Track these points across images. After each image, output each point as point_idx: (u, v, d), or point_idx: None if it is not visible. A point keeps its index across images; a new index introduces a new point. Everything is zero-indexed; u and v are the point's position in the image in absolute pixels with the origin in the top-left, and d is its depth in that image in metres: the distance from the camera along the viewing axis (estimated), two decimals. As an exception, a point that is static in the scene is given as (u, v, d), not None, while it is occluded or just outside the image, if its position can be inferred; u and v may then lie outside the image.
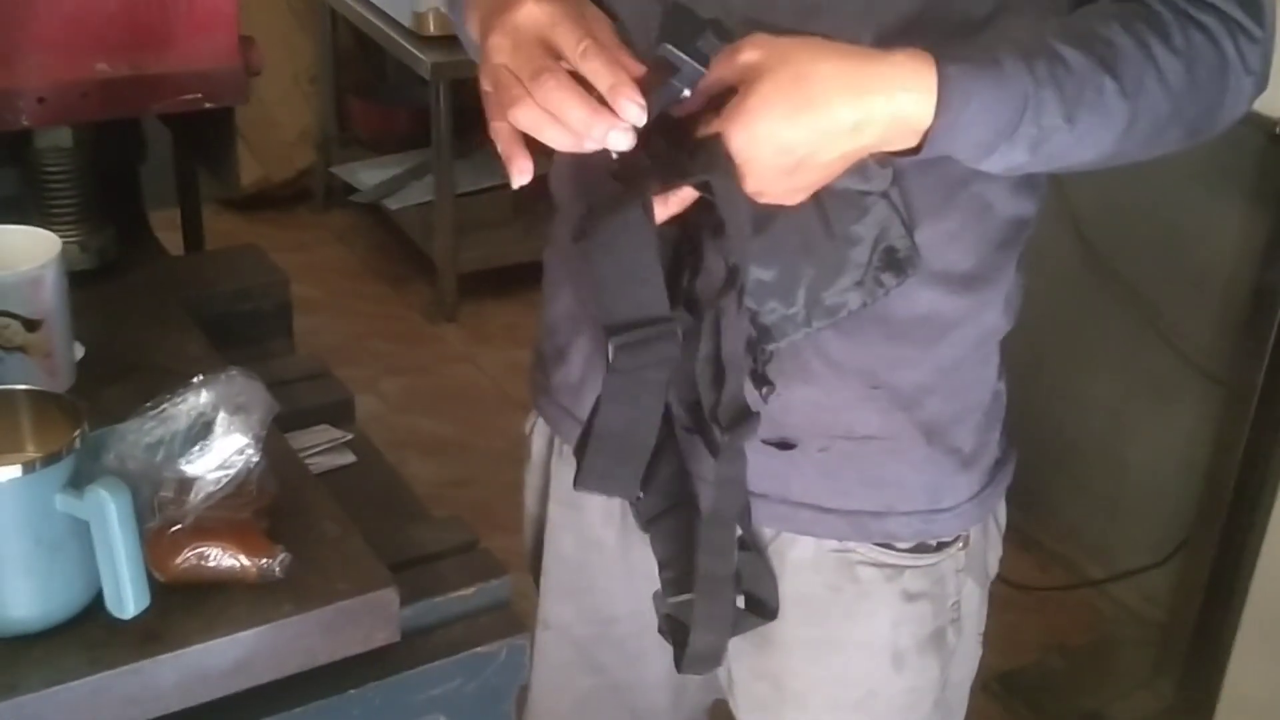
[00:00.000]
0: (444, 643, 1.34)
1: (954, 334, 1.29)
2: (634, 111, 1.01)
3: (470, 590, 1.37)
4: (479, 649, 1.34)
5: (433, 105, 3.80)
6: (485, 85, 1.08)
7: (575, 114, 1.02)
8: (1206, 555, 2.65)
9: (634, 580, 1.45)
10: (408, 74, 3.99)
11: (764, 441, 1.28)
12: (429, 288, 4.11)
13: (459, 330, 4.03)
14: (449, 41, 3.73)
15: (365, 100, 4.52)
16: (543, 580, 1.54)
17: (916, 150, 1.08)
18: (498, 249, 4.04)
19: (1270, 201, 2.52)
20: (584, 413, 1.36)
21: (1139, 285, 2.86)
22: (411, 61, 3.82)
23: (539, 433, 1.52)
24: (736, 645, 1.39)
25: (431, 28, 3.75)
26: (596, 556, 1.47)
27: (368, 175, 4.36)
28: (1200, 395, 2.80)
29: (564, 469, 1.46)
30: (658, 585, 1.41)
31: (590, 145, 1.04)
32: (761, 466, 1.28)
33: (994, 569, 1.45)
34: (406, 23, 3.82)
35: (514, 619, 1.38)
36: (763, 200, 1.08)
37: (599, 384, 1.32)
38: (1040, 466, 3.12)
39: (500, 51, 1.06)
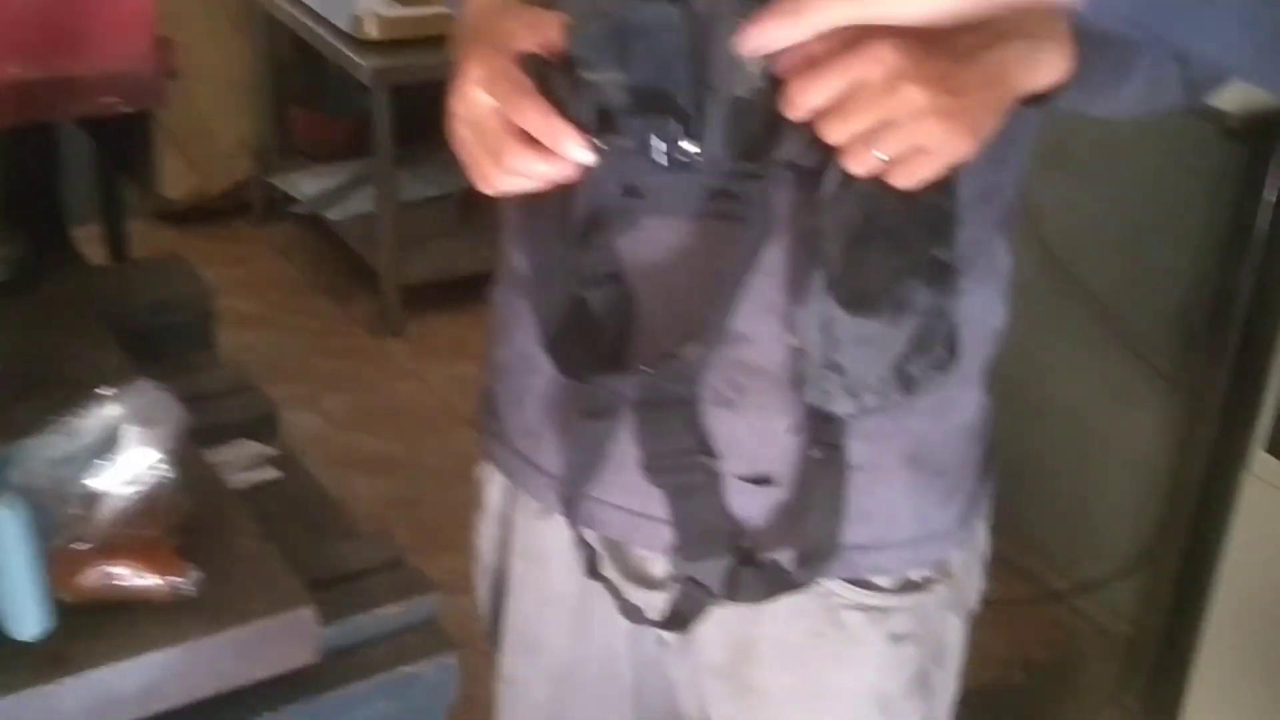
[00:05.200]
0: (367, 663, 1.30)
1: None
2: (578, 153, 1.03)
3: (396, 608, 1.33)
4: (404, 668, 1.30)
5: (374, 112, 3.74)
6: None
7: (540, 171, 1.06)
8: (1170, 566, 2.63)
9: (593, 629, 1.39)
10: (348, 80, 3.93)
11: (739, 478, 1.21)
12: (373, 301, 4.05)
13: (404, 345, 3.96)
14: (390, 46, 3.70)
15: (305, 108, 4.46)
16: (504, 636, 1.47)
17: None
18: (444, 260, 3.99)
19: (1228, 201, 2.50)
20: (546, 462, 1.30)
21: (1099, 289, 2.84)
22: (351, 67, 3.76)
23: (495, 482, 1.42)
24: (714, 691, 1.34)
25: (371, 31, 3.69)
26: (555, 611, 1.40)
27: (308, 185, 4.28)
28: (1163, 401, 2.77)
29: (526, 522, 1.38)
30: (618, 633, 1.35)
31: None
32: (738, 505, 1.22)
33: (975, 602, 1.39)
34: (344, 26, 3.76)
35: (442, 637, 1.34)
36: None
37: (556, 433, 1.27)
38: (1001, 476, 3.08)
39: (463, 123, 1.09)
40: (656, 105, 1.03)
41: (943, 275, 1.11)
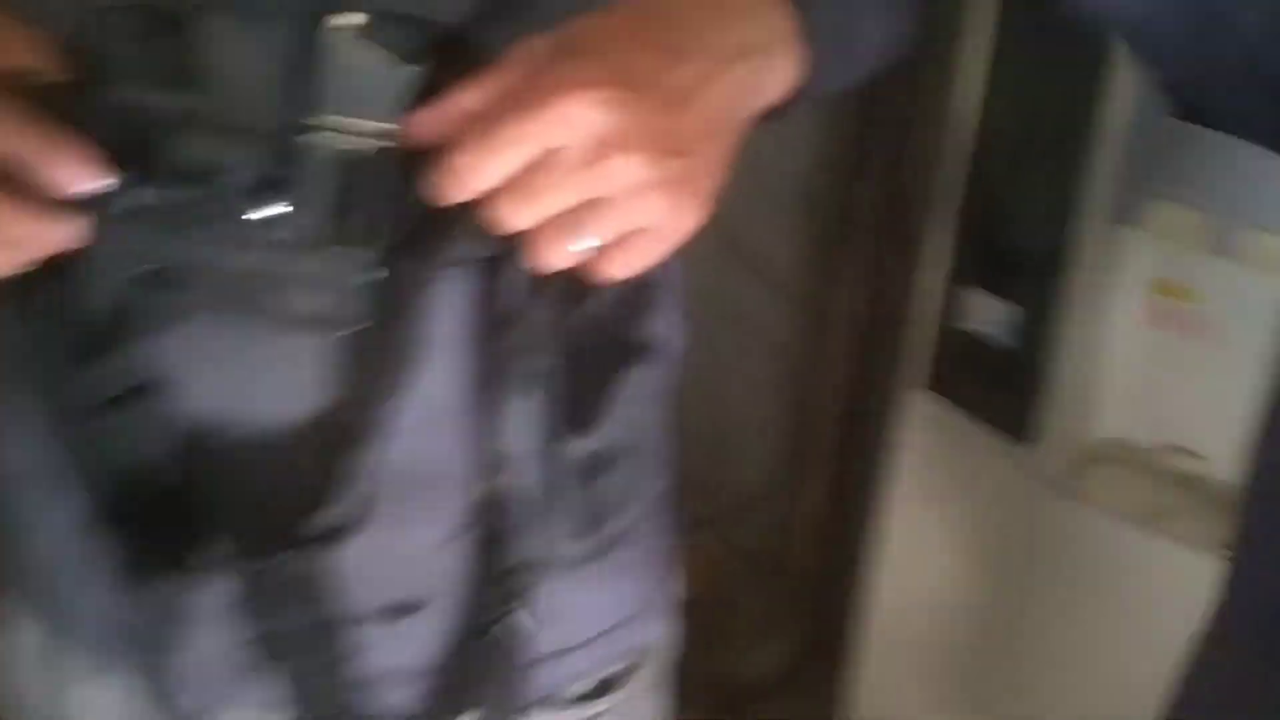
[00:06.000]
0: None
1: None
2: (93, 183, 0.71)
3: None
4: None
5: None
6: None
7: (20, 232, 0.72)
8: (818, 486, 2.59)
9: None
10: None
11: (378, 610, 0.91)
12: None
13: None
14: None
15: None
16: None
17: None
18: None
19: (848, 106, 2.40)
20: (93, 611, 0.93)
21: (717, 206, 2.72)
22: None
23: (19, 622, 1.03)
24: None
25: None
26: None
27: None
28: (791, 322, 2.70)
29: (66, 680, 1.00)
30: None
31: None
32: (377, 640, 0.91)
33: (675, 655, 1.15)
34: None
35: None
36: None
37: (104, 583, 0.88)
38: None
39: None
40: (227, 143, 0.71)
41: (662, 350, 0.91)
